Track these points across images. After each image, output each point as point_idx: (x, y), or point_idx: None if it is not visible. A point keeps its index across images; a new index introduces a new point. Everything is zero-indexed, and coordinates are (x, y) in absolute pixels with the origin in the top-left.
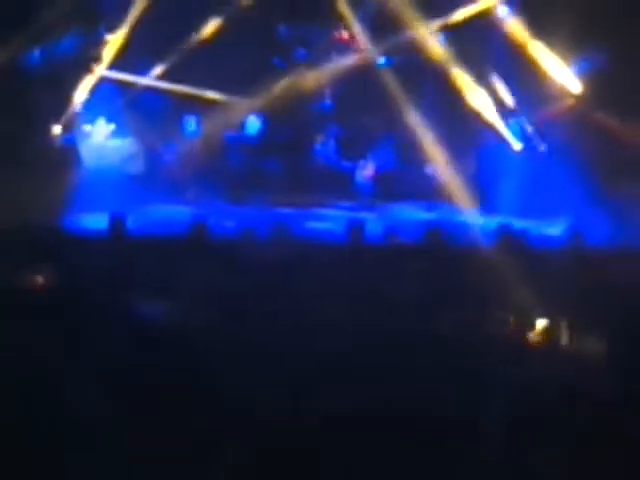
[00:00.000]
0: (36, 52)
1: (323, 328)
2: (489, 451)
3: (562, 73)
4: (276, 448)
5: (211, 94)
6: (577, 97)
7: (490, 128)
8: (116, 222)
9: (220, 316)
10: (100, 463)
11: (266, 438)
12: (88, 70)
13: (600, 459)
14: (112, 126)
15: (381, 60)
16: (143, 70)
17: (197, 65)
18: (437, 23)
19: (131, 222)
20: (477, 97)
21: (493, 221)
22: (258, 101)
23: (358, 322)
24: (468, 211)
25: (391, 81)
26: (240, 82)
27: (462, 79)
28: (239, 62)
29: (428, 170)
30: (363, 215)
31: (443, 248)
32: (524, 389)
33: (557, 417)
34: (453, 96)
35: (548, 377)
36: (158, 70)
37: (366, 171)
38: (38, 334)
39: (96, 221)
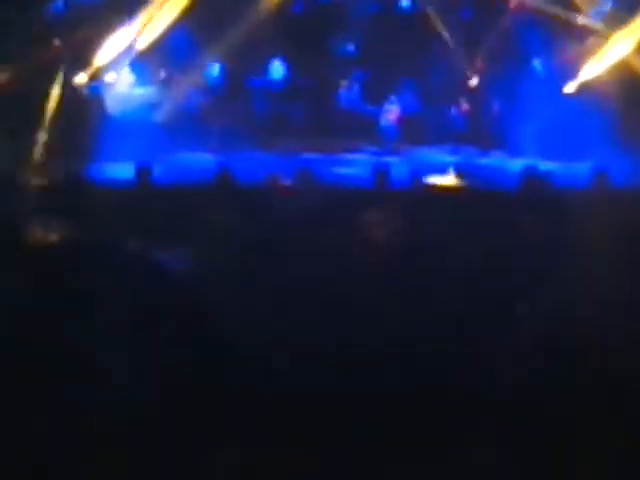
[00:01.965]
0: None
1: (346, 274)
2: None
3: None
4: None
5: None
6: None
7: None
8: (142, 171)
9: (243, 263)
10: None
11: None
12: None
13: None
14: (137, 75)
15: (404, 3)
16: None
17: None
18: None
19: (157, 170)
20: None
21: (518, 164)
22: None
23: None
24: (492, 153)
25: (413, 25)
26: None
27: None
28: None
29: (452, 113)
30: (388, 159)
31: (468, 190)
32: None
33: None
34: (480, 39)
35: None
36: None
37: (391, 115)
38: (61, 283)
39: (122, 170)
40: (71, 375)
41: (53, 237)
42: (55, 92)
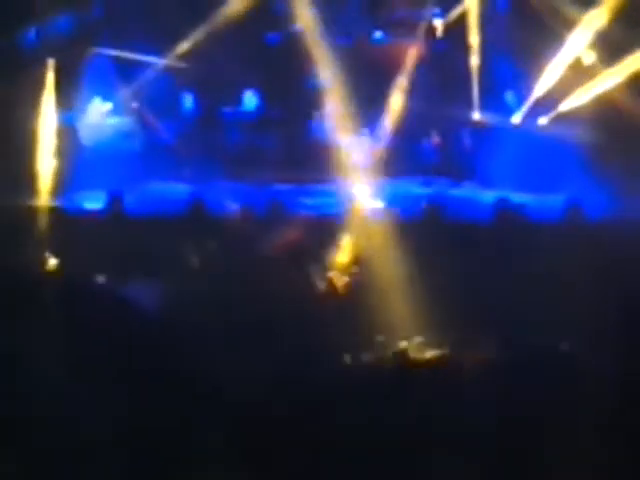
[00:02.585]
0: (32, 32)
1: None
2: None
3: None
4: None
5: None
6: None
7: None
8: (114, 200)
9: (217, 293)
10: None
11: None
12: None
13: None
14: (109, 104)
15: (377, 35)
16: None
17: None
18: None
19: (129, 200)
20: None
21: (491, 195)
22: None
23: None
24: (465, 185)
25: (386, 57)
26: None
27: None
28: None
29: (425, 145)
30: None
31: (441, 223)
32: None
33: None
34: (447, 71)
35: None
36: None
37: (363, 146)
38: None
39: (94, 199)
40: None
41: (23, 266)
42: (28, 121)
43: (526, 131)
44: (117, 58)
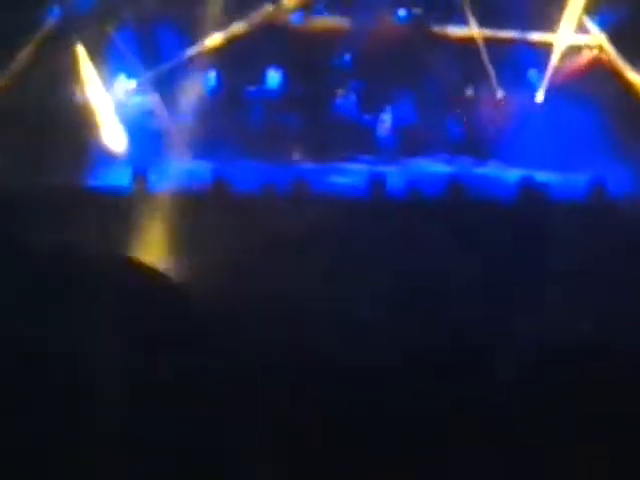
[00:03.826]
0: (54, 9)
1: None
2: None
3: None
4: None
5: None
6: (599, 48)
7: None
8: (139, 178)
9: (238, 272)
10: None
11: None
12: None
13: None
14: (133, 82)
15: (401, 13)
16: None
17: None
18: None
19: (154, 178)
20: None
21: (515, 174)
22: None
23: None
24: (490, 164)
25: (410, 34)
26: None
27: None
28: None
29: (449, 123)
30: (385, 169)
31: (465, 202)
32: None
33: None
34: (475, 48)
35: None
36: None
37: (386, 124)
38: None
39: (119, 177)
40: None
41: (50, 244)
42: (53, 98)
43: (549, 109)
44: (141, 35)
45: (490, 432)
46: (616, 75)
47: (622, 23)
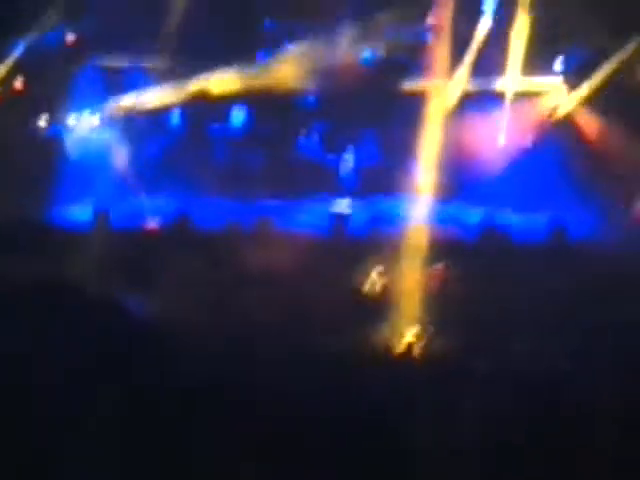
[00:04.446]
0: (20, 44)
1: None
2: None
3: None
4: None
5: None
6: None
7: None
8: (100, 214)
9: (203, 308)
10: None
11: None
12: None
13: None
14: (97, 118)
15: (365, 55)
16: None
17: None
18: None
19: (115, 214)
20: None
21: (477, 214)
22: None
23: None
24: (451, 203)
25: (375, 76)
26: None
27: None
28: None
29: (411, 163)
30: (347, 208)
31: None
32: None
33: None
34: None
35: None
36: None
37: (349, 164)
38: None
39: (80, 213)
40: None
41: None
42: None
43: (512, 151)
44: (106, 72)
45: None
46: (575, 120)
47: (583, 64)
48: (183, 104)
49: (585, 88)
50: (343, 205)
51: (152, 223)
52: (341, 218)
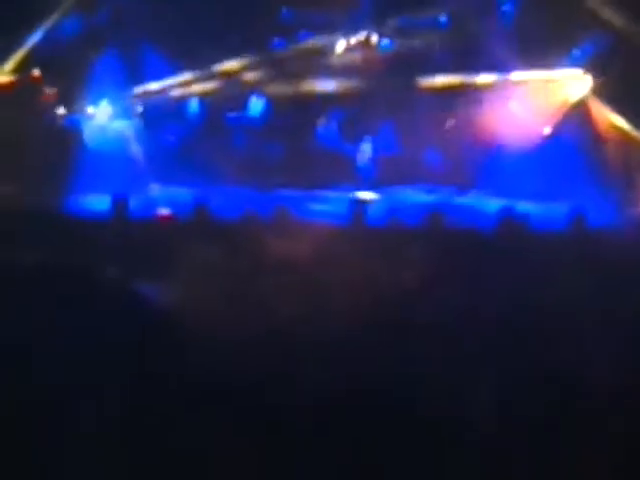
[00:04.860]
0: (39, 33)
1: (324, 312)
2: None
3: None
4: None
5: None
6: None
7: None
8: (118, 204)
9: (219, 297)
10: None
11: None
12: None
13: None
14: (115, 107)
15: (384, 43)
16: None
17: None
18: None
19: (133, 204)
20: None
21: (495, 204)
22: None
23: (356, 307)
24: (470, 193)
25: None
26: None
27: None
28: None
29: (430, 152)
30: (365, 197)
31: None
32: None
33: None
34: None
35: None
36: None
37: (367, 154)
38: (40, 316)
39: (98, 203)
40: None
41: (34, 264)
42: (32, 122)
43: (531, 139)
44: (123, 61)
45: None
46: (596, 108)
47: (603, 53)
48: (202, 92)
49: (605, 77)
50: (366, 194)
51: (170, 212)
52: (361, 207)
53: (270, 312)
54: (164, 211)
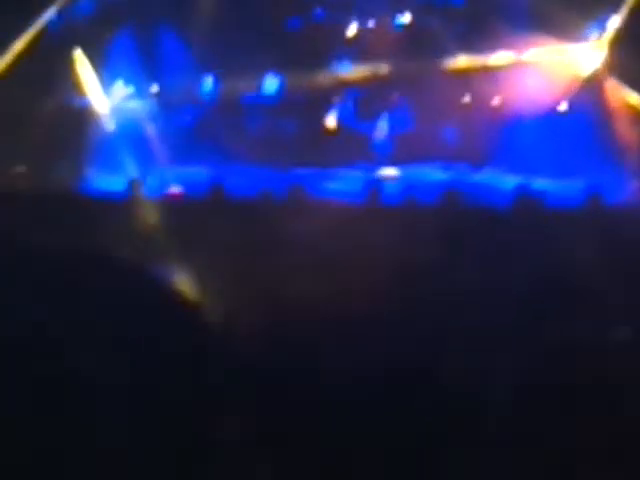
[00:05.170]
0: (53, 13)
1: (337, 294)
2: None
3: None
4: None
5: None
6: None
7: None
8: (134, 183)
9: (235, 277)
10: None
11: None
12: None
13: None
14: (130, 87)
15: (400, 20)
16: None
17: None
18: None
19: (149, 183)
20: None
21: (511, 181)
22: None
23: (373, 286)
24: (485, 171)
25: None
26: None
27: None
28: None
29: (445, 130)
30: (381, 175)
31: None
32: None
33: None
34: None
35: None
36: None
37: (383, 131)
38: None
39: (114, 183)
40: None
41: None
42: (47, 102)
43: (546, 115)
44: (139, 41)
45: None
46: (611, 84)
47: (617, 29)
48: (216, 71)
49: (619, 53)
50: (389, 169)
51: (180, 190)
52: (378, 184)
53: (287, 292)
54: (175, 189)
